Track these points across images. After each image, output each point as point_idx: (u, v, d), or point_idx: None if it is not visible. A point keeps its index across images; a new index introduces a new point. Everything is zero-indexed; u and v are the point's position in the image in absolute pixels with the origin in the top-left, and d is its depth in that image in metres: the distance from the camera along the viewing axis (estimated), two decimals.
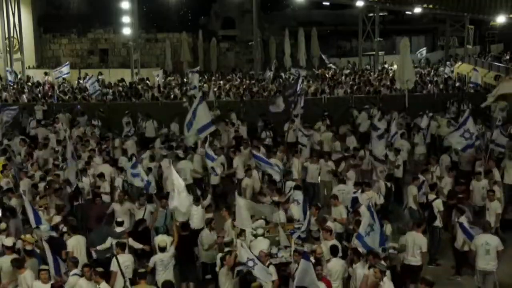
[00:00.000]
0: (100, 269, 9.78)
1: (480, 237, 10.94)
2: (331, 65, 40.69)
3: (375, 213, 10.73)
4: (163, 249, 10.70)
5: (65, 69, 32.06)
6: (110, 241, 11.12)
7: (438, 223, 12.74)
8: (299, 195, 13.28)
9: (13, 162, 16.16)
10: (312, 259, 9.89)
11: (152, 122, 21.75)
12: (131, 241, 11.50)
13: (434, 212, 12.80)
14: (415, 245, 10.95)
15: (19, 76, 34.96)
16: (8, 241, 10.65)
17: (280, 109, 20.20)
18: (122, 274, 10.23)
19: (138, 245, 11.53)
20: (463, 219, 11.72)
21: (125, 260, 10.48)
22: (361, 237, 10.61)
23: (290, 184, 14.52)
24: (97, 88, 27.43)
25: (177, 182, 11.58)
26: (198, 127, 15.61)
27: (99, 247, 11.24)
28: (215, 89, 28.18)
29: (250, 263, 9.71)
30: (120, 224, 12.00)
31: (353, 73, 35.34)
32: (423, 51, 43.78)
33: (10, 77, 31.27)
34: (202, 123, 15.62)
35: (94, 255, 10.88)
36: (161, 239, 11.03)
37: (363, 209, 12.24)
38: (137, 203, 13.26)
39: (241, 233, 11.29)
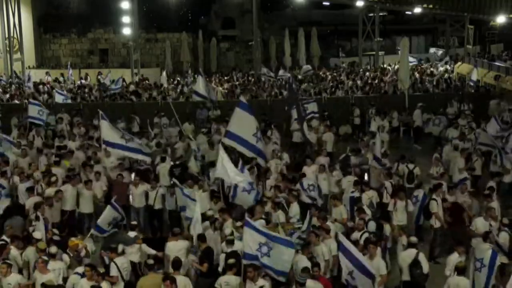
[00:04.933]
0: (101, 270, 9.78)
1: None
2: (343, 64, 40.53)
3: (263, 229, 10.10)
4: (231, 242, 10.79)
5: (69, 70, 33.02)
6: (121, 248, 10.91)
7: (432, 222, 12.87)
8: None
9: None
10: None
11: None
12: (144, 247, 11.43)
13: (430, 211, 12.93)
14: None
15: (19, 76, 35.02)
16: (37, 234, 11.05)
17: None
18: (122, 277, 10.23)
19: (151, 251, 11.35)
20: None
21: (123, 262, 10.43)
22: (254, 257, 9.73)
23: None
24: (118, 86, 28.13)
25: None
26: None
27: None
28: (221, 89, 28.28)
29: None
30: (133, 228, 12.02)
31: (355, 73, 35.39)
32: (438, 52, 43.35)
33: (29, 83, 29.90)
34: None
35: (106, 260, 10.67)
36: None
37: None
38: (150, 186, 14.14)
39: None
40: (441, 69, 35.67)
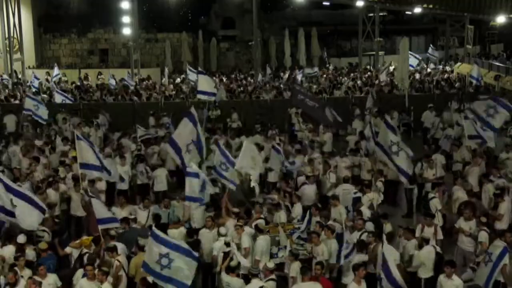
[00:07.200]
0: (105, 269, 9.79)
1: None
2: (328, 65, 40.61)
3: (166, 238, 9.63)
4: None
5: (55, 70, 32.66)
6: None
7: (435, 221, 12.72)
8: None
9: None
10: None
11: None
12: None
13: (432, 210, 12.83)
14: None
15: (19, 76, 35.00)
16: (20, 239, 10.96)
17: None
18: (126, 273, 10.32)
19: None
20: None
21: (124, 260, 10.53)
22: (152, 269, 9.42)
23: (302, 179, 14.69)
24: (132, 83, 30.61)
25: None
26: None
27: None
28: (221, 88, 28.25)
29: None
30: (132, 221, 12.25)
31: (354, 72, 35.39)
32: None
33: (35, 84, 29.25)
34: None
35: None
36: None
37: (364, 210, 12.36)
38: (142, 205, 13.21)
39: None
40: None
